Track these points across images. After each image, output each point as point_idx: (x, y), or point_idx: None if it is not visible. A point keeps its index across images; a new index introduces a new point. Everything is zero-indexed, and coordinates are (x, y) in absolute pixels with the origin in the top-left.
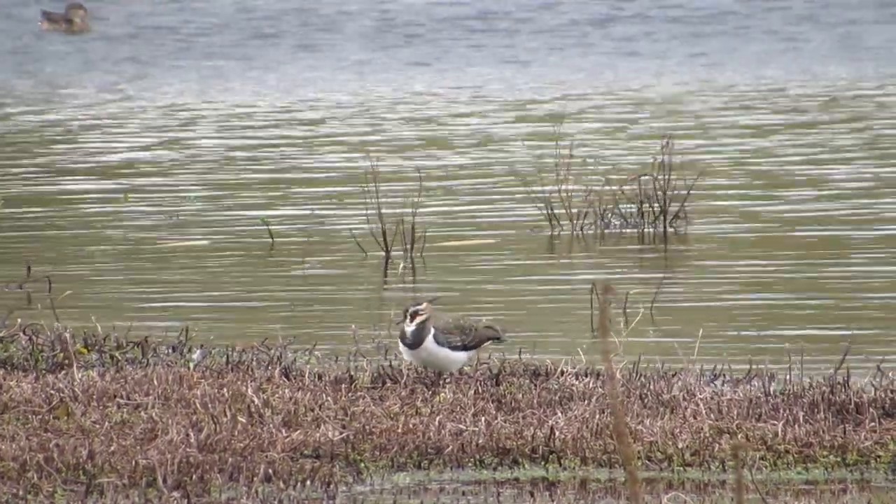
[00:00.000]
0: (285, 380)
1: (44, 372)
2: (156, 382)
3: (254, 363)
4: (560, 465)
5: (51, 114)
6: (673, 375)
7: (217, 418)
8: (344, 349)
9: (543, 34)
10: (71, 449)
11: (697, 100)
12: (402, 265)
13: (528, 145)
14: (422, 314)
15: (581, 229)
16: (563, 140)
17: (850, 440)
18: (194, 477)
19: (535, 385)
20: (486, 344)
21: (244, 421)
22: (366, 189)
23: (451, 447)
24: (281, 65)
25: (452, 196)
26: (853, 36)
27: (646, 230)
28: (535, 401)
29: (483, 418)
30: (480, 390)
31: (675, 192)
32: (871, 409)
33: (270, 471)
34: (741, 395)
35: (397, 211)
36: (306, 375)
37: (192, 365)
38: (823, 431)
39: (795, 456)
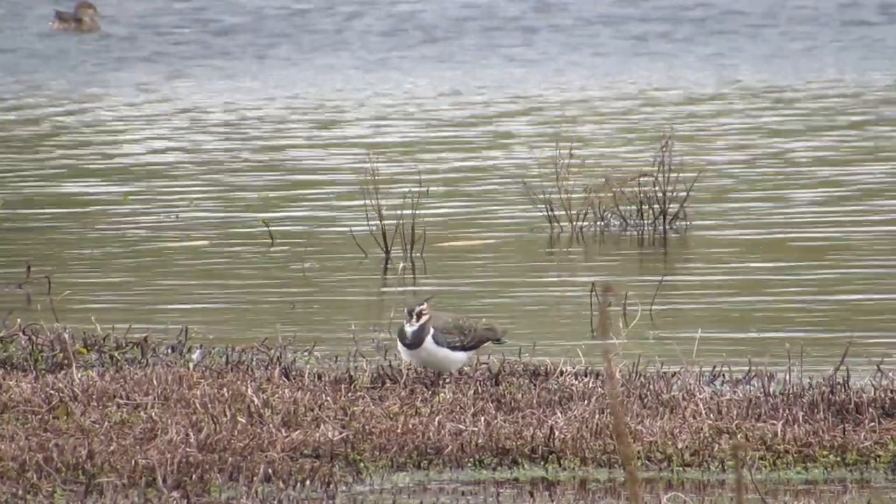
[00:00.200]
0: (285, 380)
1: (43, 372)
2: (155, 382)
3: (253, 363)
4: (560, 465)
5: (54, 113)
6: (672, 375)
7: (217, 418)
8: (343, 349)
9: (556, 33)
10: (70, 449)
11: (702, 100)
12: (401, 265)
13: (532, 146)
14: (425, 314)
15: (581, 230)
16: (566, 140)
17: (850, 440)
18: (194, 477)
19: (535, 385)
20: (485, 344)
21: (244, 421)
22: (366, 189)
23: (450, 447)
24: (291, 64)
25: (452, 196)
26: (867, 36)
27: (645, 231)
28: (534, 401)
29: (483, 418)
30: (480, 390)
31: (675, 192)
32: (870, 409)
33: (270, 471)
34: (741, 395)
35: (397, 212)
36: (306, 375)
37: (191, 365)
38: (823, 431)
39: (795, 456)
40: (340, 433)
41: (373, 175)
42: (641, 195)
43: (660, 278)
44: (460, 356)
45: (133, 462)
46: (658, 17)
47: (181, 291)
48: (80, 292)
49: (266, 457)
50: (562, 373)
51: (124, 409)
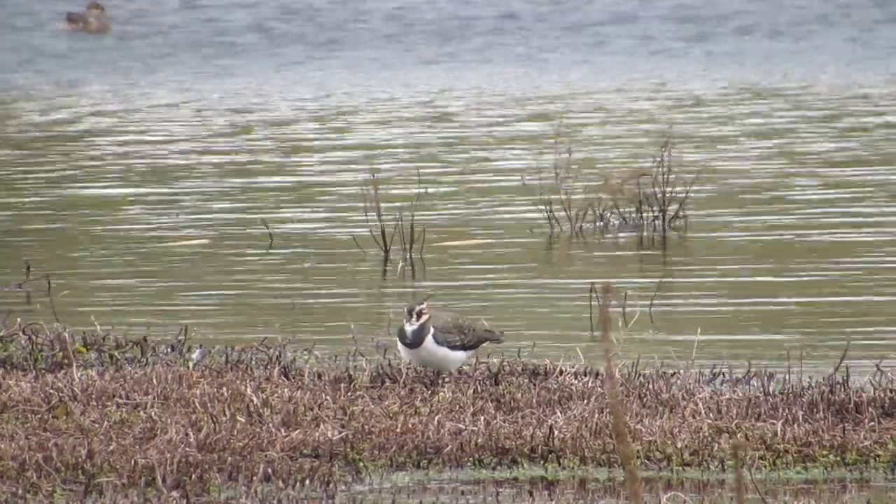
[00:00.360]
0: (284, 379)
1: (43, 371)
2: (155, 382)
3: (253, 363)
4: (559, 464)
5: (56, 114)
6: (672, 375)
7: (216, 418)
8: (343, 349)
9: (563, 33)
10: (70, 448)
11: (708, 100)
12: (401, 265)
13: (532, 146)
14: (425, 313)
15: (580, 230)
16: (566, 141)
17: (850, 439)
18: (193, 476)
19: (534, 384)
20: (484, 344)
21: (243, 420)
22: (366, 189)
23: (450, 446)
24: (297, 65)
25: (452, 196)
26: (867, 37)
27: (645, 231)
28: (534, 400)
29: (482, 418)
30: (479, 390)
31: (674, 193)
32: (870, 409)
33: (270, 470)
34: (740, 394)
35: (397, 213)
36: (305, 375)
37: (191, 364)
38: (823, 431)
39: (795, 455)
40: (340, 433)
41: (372, 175)
42: (641, 195)
43: (659, 278)
44: (460, 355)
45: (133, 461)
46: (666, 16)
47: (181, 291)
48: (80, 292)
49: (265, 456)
50: (561, 372)
51: (124, 409)
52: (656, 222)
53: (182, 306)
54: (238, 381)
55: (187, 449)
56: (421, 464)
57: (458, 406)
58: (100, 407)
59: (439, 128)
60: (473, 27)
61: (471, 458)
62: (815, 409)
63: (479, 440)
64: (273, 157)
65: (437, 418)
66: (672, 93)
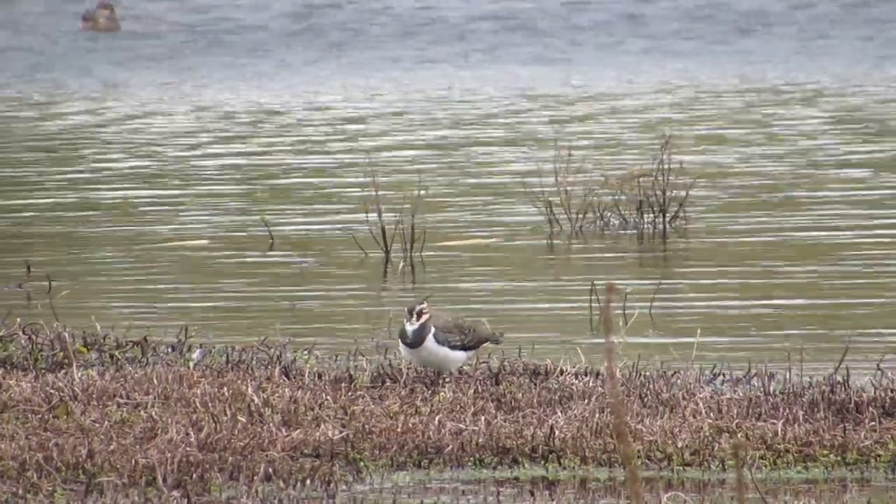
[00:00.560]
0: (285, 379)
1: (43, 371)
2: (155, 381)
3: (253, 362)
4: (560, 464)
5: (59, 113)
6: (672, 374)
7: (217, 417)
8: (343, 349)
9: (571, 32)
10: (70, 448)
11: (714, 100)
12: (401, 265)
13: (532, 146)
14: (425, 313)
15: (580, 229)
16: (568, 140)
17: (850, 439)
18: (194, 476)
19: (535, 384)
20: (484, 344)
21: (244, 420)
22: (365, 189)
23: (450, 446)
24: (308, 65)
25: (453, 196)
26: (884, 37)
27: (645, 230)
28: (534, 400)
29: (483, 417)
30: (480, 389)
31: (675, 192)
32: (870, 409)
33: (270, 470)
34: (741, 394)
35: (397, 214)
36: (306, 375)
37: (191, 364)
38: (823, 430)
39: (795, 455)
40: (340, 432)
41: (372, 175)
42: (641, 195)
43: (659, 278)
44: (460, 355)
45: (133, 461)
46: (674, 16)
47: (181, 291)
48: (79, 292)
49: (266, 456)
50: (562, 372)
51: (124, 409)
52: (656, 222)
53: (182, 306)
54: (239, 381)
55: (188, 449)
56: (422, 463)
57: (458, 406)
58: (100, 407)
59: (440, 128)
60: (480, 27)
61: (471, 458)
62: (815, 409)
63: (480, 440)
64: (274, 156)
65: (437, 418)
66: (674, 93)
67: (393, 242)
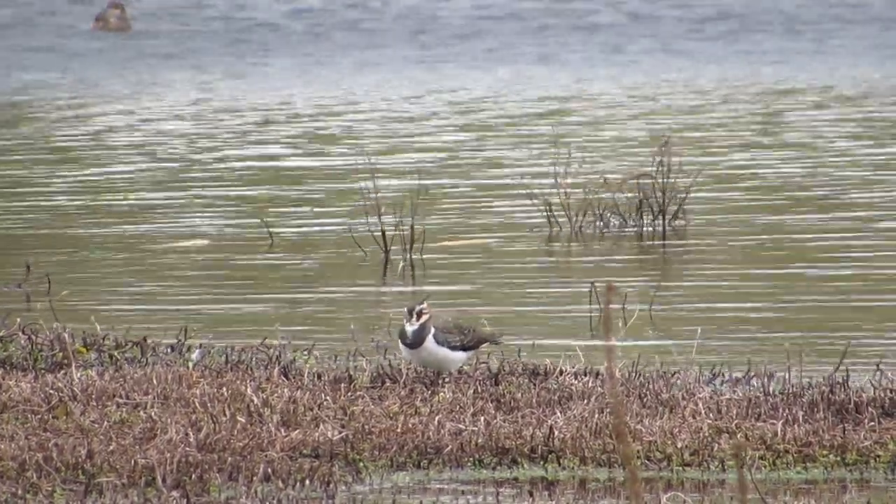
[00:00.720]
0: (284, 379)
1: (43, 371)
2: (155, 382)
3: (253, 363)
4: (559, 464)
5: (64, 113)
6: (672, 375)
7: (216, 418)
8: (343, 349)
9: (576, 33)
10: (70, 448)
11: (710, 99)
12: (401, 265)
13: (533, 146)
14: (425, 313)
15: (580, 229)
16: (569, 140)
17: (850, 440)
18: (193, 476)
19: (535, 384)
20: (483, 345)
21: (243, 420)
22: (366, 189)
23: (450, 447)
24: (317, 65)
25: (453, 196)
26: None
27: (644, 230)
28: (534, 400)
29: (482, 418)
30: (480, 390)
31: (674, 193)
32: (870, 409)
33: (269, 470)
34: (740, 394)
35: (397, 214)
36: (305, 375)
37: (191, 364)
38: (823, 431)
39: (795, 455)
40: (340, 433)
41: (372, 175)
42: (640, 195)
43: (659, 278)
44: (460, 356)
45: (132, 461)
46: (682, 16)
47: (181, 291)
48: (79, 292)
49: (265, 456)
50: (561, 372)
51: (124, 409)
52: (656, 222)
53: (182, 306)
54: (238, 382)
55: (187, 449)
56: (421, 464)
57: (458, 406)
58: (100, 407)
59: (441, 128)
60: (486, 26)
61: (471, 459)
62: (815, 409)
63: (480, 440)
64: (275, 156)
65: (437, 418)
66: (677, 93)
67: (392, 243)
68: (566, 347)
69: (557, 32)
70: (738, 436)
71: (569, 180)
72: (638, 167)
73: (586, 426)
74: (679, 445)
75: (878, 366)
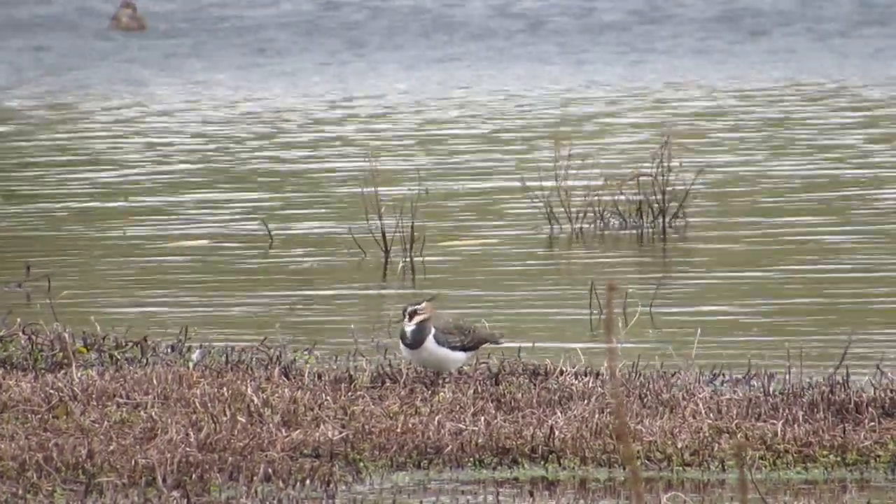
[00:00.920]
0: (285, 379)
1: (43, 371)
2: (155, 382)
3: (253, 363)
4: (559, 464)
5: (67, 113)
6: (672, 375)
7: (217, 418)
8: (343, 349)
9: (586, 33)
10: (70, 448)
11: (711, 99)
12: (401, 265)
13: (532, 146)
14: (421, 313)
15: (580, 229)
16: (568, 141)
17: (850, 440)
18: (194, 476)
19: (535, 384)
20: (484, 345)
21: (244, 420)
22: (365, 189)
23: (450, 447)
24: (325, 65)
25: (452, 196)
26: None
27: (644, 231)
28: (534, 400)
29: (482, 418)
30: (480, 390)
31: (675, 192)
32: (870, 409)
33: (270, 470)
34: (740, 394)
35: (397, 214)
36: (306, 375)
37: (191, 364)
38: (823, 431)
39: (795, 455)
40: (340, 433)
41: (372, 175)
42: (641, 195)
43: (659, 278)
44: (460, 356)
45: (133, 461)
46: (693, 15)
47: (181, 291)
48: (80, 292)
49: (266, 456)
50: (562, 372)
51: (124, 409)
52: (656, 222)
53: (182, 306)
54: (238, 381)
55: (188, 449)
56: (421, 464)
57: (458, 406)
58: (100, 407)
59: (442, 128)
60: (498, 25)
61: (471, 459)
62: (815, 410)
63: (480, 440)
64: (275, 156)
65: (437, 418)
66: (680, 92)
67: (392, 243)
68: (566, 348)
69: (566, 31)
70: (739, 436)
71: (569, 182)
72: (638, 167)
73: (587, 426)
74: (679, 445)
75: (878, 366)
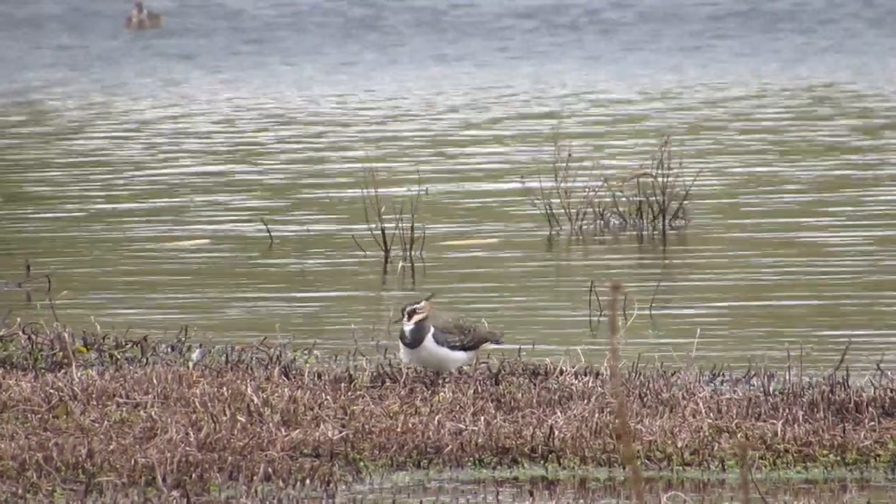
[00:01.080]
0: (285, 379)
1: (43, 371)
2: (155, 381)
3: (253, 362)
4: (559, 464)
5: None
6: (672, 374)
7: (216, 417)
8: (343, 349)
9: (586, 31)
10: (70, 448)
11: (712, 98)
12: (401, 265)
13: (533, 146)
14: (419, 312)
15: (580, 229)
16: (568, 140)
17: (850, 439)
18: (194, 476)
19: (535, 384)
20: (484, 345)
21: (243, 420)
22: (365, 189)
23: (450, 446)
24: (328, 67)
25: (452, 196)
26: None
27: (644, 230)
28: (534, 400)
29: (482, 417)
30: (480, 389)
31: (675, 191)
32: (870, 409)
33: (270, 470)
34: (740, 394)
35: (397, 214)
36: (306, 374)
37: (191, 364)
38: (823, 430)
39: (795, 455)
40: (340, 432)
41: (372, 175)
42: (641, 195)
43: (659, 278)
44: (460, 356)
45: (133, 461)
46: (698, 14)
47: (181, 291)
48: (80, 292)
49: (266, 456)
50: (561, 372)
51: (124, 408)
52: (656, 221)
53: (182, 307)
54: (238, 381)
55: (187, 448)
56: (421, 463)
57: (458, 406)
58: (100, 406)
59: (442, 128)
60: (507, 24)
61: (471, 458)
62: (815, 409)
63: (480, 440)
64: (275, 156)
65: (437, 418)
66: (682, 92)
67: (392, 243)
68: (566, 347)
69: (569, 30)
70: (739, 435)
71: (569, 183)
72: (639, 167)
73: (586, 426)
74: (679, 445)
75: (878, 365)
